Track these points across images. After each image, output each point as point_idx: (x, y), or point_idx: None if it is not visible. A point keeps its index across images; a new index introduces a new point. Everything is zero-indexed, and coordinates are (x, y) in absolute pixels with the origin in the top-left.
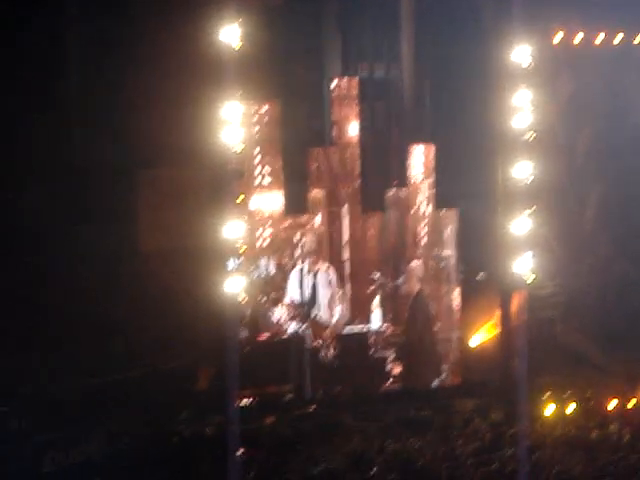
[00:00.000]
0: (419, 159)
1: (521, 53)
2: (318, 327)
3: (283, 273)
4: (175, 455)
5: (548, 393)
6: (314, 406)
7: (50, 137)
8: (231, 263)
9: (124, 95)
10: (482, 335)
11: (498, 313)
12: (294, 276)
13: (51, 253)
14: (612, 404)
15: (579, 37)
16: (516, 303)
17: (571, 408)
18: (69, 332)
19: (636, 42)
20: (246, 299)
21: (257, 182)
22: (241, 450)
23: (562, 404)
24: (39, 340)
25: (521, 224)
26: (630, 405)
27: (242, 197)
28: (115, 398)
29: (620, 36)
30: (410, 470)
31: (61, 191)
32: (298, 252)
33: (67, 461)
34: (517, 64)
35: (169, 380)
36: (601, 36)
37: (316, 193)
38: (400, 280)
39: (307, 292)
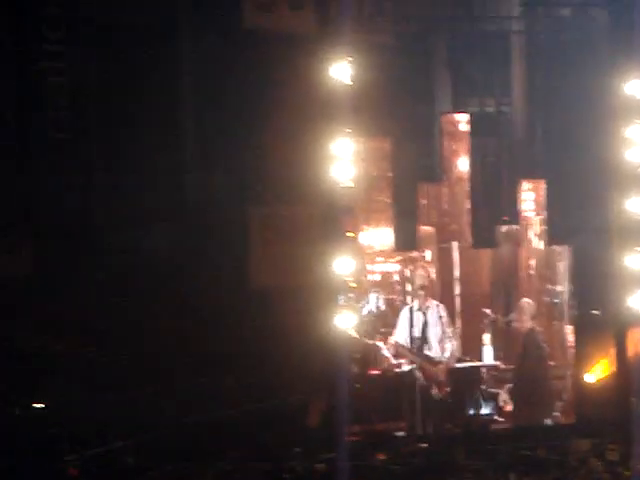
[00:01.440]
0: (530, 194)
1: (635, 86)
2: (429, 364)
3: (393, 309)
4: None
5: None
6: (426, 444)
7: (169, 177)
8: (342, 299)
9: (240, 133)
10: (597, 373)
11: (613, 350)
12: (404, 313)
13: (169, 290)
14: None
15: None
16: (632, 339)
17: None
18: (182, 368)
19: None
20: (357, 335)
21: (367, 218)
22: None
23: None
24: (152, 376)
25: (636, 259)
26: None
27: (352, 234)
28: (228, 434)
29: None
30: None
31: (179, 229)
32: (408, 288)
33: None
34: (632, 97)
35: (281, 416)
36: None
37: (426, 229)
38: (511, 316)
39: (418, 329)
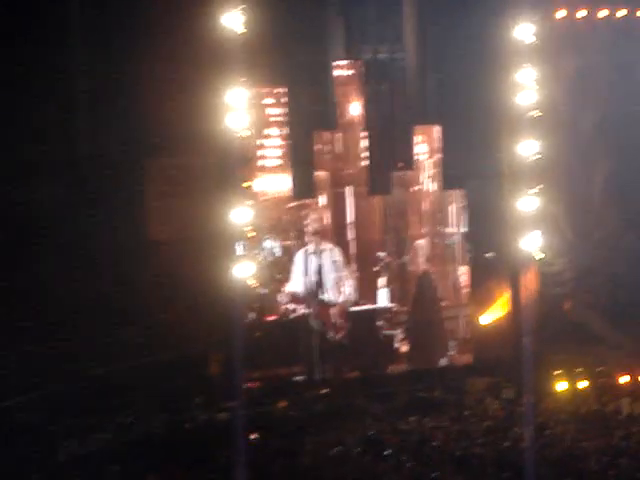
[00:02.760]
0: (424, 139)
1: (524, 31)
2: (325, 307)
3: (288, 255)
4: (189, 441)
5: (560, 370)
6: (325, 389)
7: (56, 130)
8: (239, 248)
9: (128, 83)
10: (492, 313)
11: (507, 291)
12: (299, 257)
13: (61, 245)
14: (623, 379)
15: (582, 13)
16: (525, 281)
17: (583, 384)
18: (80, 321)
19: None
20: (254, 283)
21: (263, 165)
22: (252, 434)
23: (574, 381)
24: (52, 330)
25: (528, 202)
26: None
27: (248, 182)
28: (128, 386)
29: (623, 11)
30: (423, 451)
31: (69, 183)
32: (303, 234)
33: (82, 450)
34: (520, 42)
35: (182, 367)
36: (604, 11)
37: (321, 175)
38: (405, 258)
39: (313, 273)
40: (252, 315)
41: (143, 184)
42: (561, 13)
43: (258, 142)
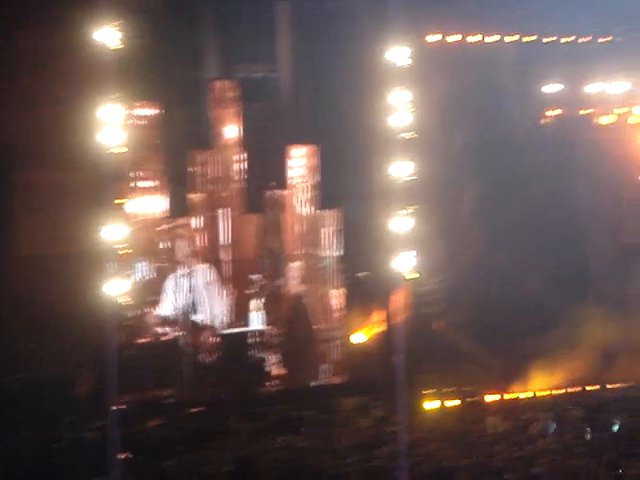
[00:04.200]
0: (298, 160)
1: (397, 53)
2: (197, 329)
3: (162, 276)
4: (56, 460)
5: (429, 389)
6: (197, 408)
7: None
8: (110, 267)
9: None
10: (364, 333)
11: (379, 311)
12: (170, 281)
13: None
14: (491, 398)
15: (454, 37)
16: (397, 301)
17: (452, 403)
18: None
19: (508, 42)
20: (125, 302)
21: (137, 185)
22: (122, 454)
23: (443, 399)
24: None
25: (401, 222)
26: (507, 398)
27: (122, 200)
28: None
29: (494, 37)
30: (294, 469)
31: None
32: (176, 255)
33: None
34: (393, 64)
35: (51, 385)
36: (476, 36)
37: (196, 196)
38: (280, 281)
39: (184, 296)
40: (123, 335)
41: (12, 197)
42: (434, 37)
43: (132, 161)
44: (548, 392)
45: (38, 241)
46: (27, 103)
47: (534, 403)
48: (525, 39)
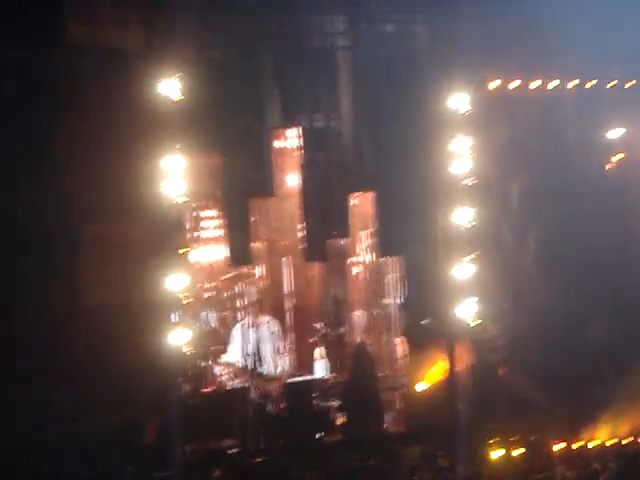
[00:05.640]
0: (360, 208)
1: (458, 100)
2: (262, 380)
3: (225, 326)
4: None
5: (494, 438)
6: (261, 458)
7: None
8: (174, 316)
9: (64, 149)
10: (428, 381)
11: (442, 359)
12: (236, 331)
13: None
14: (557, 447)
15: (515, 84)
16: (460, 348)
17: (517, 452)
18: (13, 388)
19: (570, 87)
20: (189, 352)
21: (199, 234)
22: None
23: (508, 448)
24: None
25: (463, 269)
26: (575, 447)
27: (185, 250)
28: (60, 454)
29: (555, 82)
30: None
31: (3, 250)
32: (240, 304)
33: None
34: (454, 111)
35: (114, 435)
36: (536, 82)
37: (257, 245)
38: (343, 329)
39: (250, 346)
40: (187, 385)
41: (78, 250)
42: (494, 83)
43: (194, 211)
44: (616, 441)
45: (103, 291)
46: (91, 155)
47: (602, 452)
48: (587, 84)
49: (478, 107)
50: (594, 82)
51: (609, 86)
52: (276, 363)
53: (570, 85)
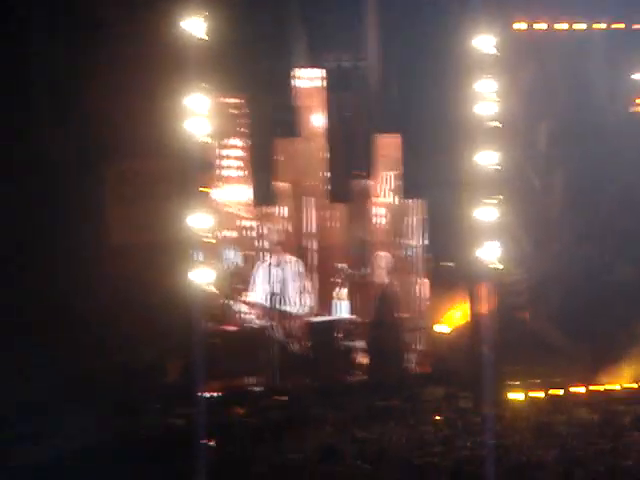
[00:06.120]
0: (385, 149)
1: (484, 42)
2: (286, 319)
3: (250, 265)
4: (144, 448)
5: (516, 380)
6: (283, 397)
7: (13, 134)
8: (198, 255)
9: (88, 86)
10: (450, 324)
11: (466, 302)
12: (261, 269)
13: (20, 250)
14: (579, 390)
15: (541, 26)
16: (483, 291)
17: (539, 395)
18: (38, 327)
19: (596, 29)
20: (213, 291)
21: (223, 173)
22: (209, 441)
23: (530, 391)
24: (6, 336)
25: (487, 212)
26: (598, 390)
27: (209, 189)
28: (84, 392)
29: (582, 24)
30: (380, 459)
31: (28, 188)
32: (264, 244)
33: (35, 457)
34: (480, 52)
35: (138, 373)
36: (563, 24)
37: (282, 184)
38: (366, 270)
39: (275, 284)
40: (212, 323)
41: (101, 188)
42: (520, 25)
43: (218, 150)
44: (637, 384)
45: (127, 230)
46: (115, 94)
47: (622, 395)
48: (614, 26)
49: (504, 49)
50: (621, 24)
51: (636, 28)
52: (300, 302)
53: (596, 27)
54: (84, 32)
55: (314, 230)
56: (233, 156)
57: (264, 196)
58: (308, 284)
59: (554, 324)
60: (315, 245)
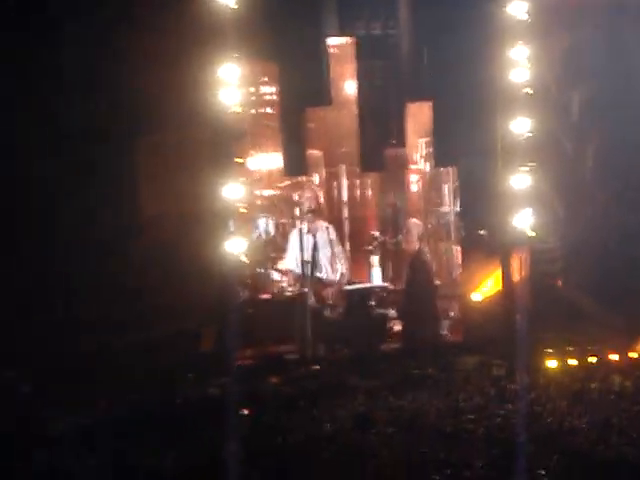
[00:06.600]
0: (417, 117)
1: (518, 8)
2: (320, 286)
3: (283, 233)
4: (179, 416)
5: (550, 348)
6: (317, 366)
7: (47, 106)
8: (231, 225)
9: (119, 58)
10: (484, 291)
11: (499, 269)
12: (294, 237)
13: (56, 220)
14: (613, 357)
15: None
16: (517, 259)
17: (572, 362)
18: (74, 297)
19: None
20: (247, 260)
21: (256, 143)
22: (244, 409)
23: (564, 358)
24: (46, 305)
25: (520, 180)
26: (632, 357)
27: (241, 159)
28: (120, 362)
29: None
30: (413, 427)
31: (62, 160)
32: (297, 212)
33: (72, 425)
34: (513, 18)
35: (174, 343)
36: None
37: (314, 153)
38: (399, 238)
39: (308, 252)
40: (246, 292)
41: (135, 159)
42: None
43: (250, 119)
44: None
45: (162, 201)
46: (146, 64)
47: None
48: None
49: (538, 15)
50: None
51: None
52: (334, 269)
53: None
54: (115, 4)
55: (348, 198)
56: (264, 125)
57: (296, 165)
58: (342, 251)
59: (588, 291)
60: (348, 213)
